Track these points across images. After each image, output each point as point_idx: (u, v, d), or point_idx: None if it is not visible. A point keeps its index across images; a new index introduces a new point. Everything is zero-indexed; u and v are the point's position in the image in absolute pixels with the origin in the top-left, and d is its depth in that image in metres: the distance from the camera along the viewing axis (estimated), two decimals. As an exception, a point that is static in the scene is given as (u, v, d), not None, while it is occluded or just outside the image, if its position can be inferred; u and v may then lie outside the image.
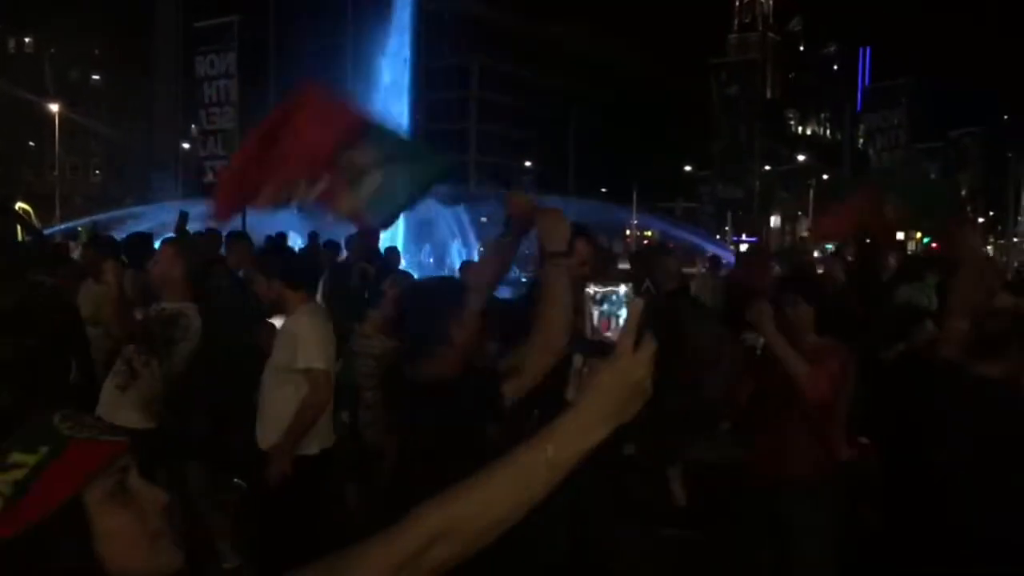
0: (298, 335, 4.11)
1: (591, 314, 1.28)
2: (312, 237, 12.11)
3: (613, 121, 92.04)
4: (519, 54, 78.35)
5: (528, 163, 74.31)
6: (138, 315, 4.34)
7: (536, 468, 1.23)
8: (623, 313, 1.26)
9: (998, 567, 3.05)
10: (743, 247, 63.54)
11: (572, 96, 74.80)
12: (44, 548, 1.05)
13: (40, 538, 1.04)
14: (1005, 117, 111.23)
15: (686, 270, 13.35)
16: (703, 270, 13.22)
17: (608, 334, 1.27)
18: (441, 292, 2.82)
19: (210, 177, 13.92)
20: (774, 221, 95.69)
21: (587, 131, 77.46)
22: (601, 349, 1.26)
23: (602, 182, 72.77)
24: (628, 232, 54.19)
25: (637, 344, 1.24)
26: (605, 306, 1.27)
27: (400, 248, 12.13)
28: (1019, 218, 61.25)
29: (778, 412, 3.97)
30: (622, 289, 1.27)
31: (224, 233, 7.96)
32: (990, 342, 3.21)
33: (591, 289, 1.29)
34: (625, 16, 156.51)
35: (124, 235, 9.29)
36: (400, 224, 24.48)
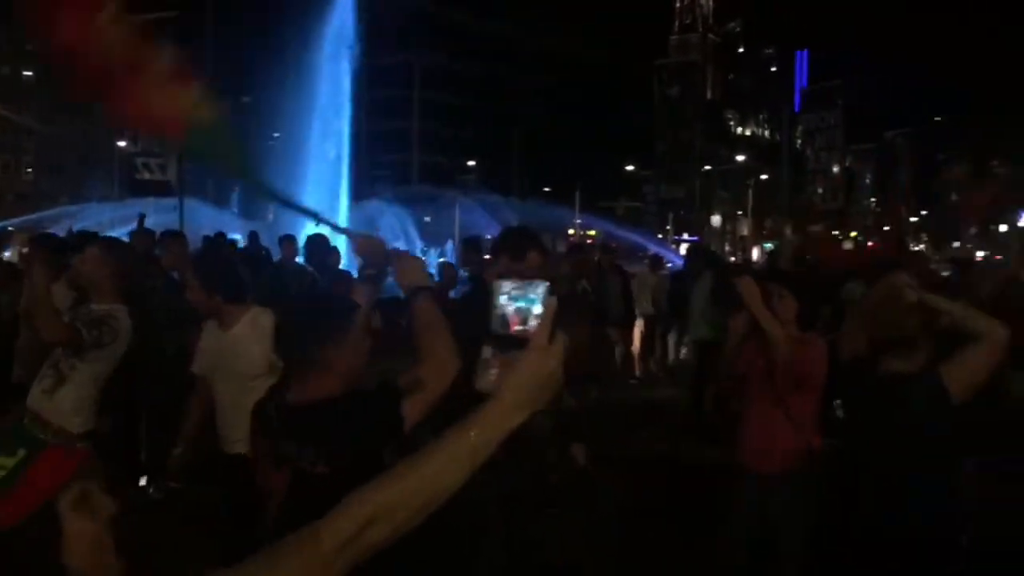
0: (266, 339, 4.05)
1: (503, 308, 1.38)
2: (252, 238, 11.94)
3: (556, 121, 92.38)
4: (462, 53, 78.33)
5: (471, 162, 74.25)
6: (65, 317, 4.22)
7: (461, 452, 1.35)
8: (537, 309, 1.37)
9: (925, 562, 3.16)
10: (684, 246, 64.34)
11: (516, 95, 74.97)
12: (19, 548, 1.15)
13: (16, 538, 1.14)
14: (936, 119, 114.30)
15: (630, 269, 13.49)
16: (644, 269, 13.33)
17: (519, 328, 1.37)
18: (317, 312, 2.60)
19: (144, 175, 13.62)
20: (714, 220, 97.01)
21: (531, 130, 77.68)
22: (514, 343, 1.37)
23: (545, 181, 73.09)
24: (572, 232, 54.52)
25: (551, 338, 1.36)
26: (522, 302, 1.37)
27: (344, 248, 11.98)
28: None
29: (760, 405, 4.07)
30: (541, 287, 1.37)
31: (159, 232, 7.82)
32: (903, 339, 3.29)
33: (507, 285, 1.38)
34: (568, 17, 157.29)
35: (59, 234, 9.07)
36: (344, 224, 24.36)
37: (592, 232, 56.10)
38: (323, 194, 25.62)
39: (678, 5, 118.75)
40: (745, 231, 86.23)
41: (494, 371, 1.42)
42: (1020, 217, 61.95)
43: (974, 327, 3.19)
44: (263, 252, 10.87)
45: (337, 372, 2.45)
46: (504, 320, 1.38)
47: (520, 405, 1.36)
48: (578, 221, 57.08)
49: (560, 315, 1.36)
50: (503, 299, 1.38)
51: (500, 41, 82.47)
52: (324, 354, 2.44)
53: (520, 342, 1.37)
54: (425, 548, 1.41)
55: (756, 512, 4.11)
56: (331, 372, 2.44)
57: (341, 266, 9.38)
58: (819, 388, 3.92)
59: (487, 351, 1.45)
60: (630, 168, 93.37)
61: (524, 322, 1.37)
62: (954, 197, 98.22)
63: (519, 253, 4.00)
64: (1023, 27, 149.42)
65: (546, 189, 70.07)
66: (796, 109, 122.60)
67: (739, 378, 4.28)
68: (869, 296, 3.58)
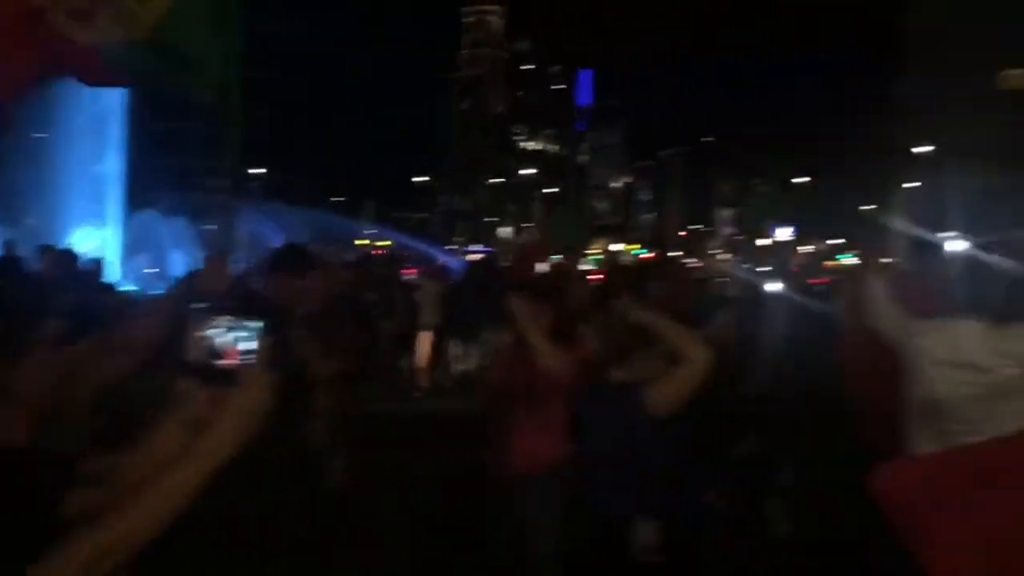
0: None
1: (213, 341, 1.45)
2: (8, 247, 10.98)
3: (348, 130, 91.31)
4: (249, 56, 75.77)
5: (258, 170, 71.79)
6: None
7: (184, 483, 1.45)
8: (247, 345, 1.45)
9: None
10: (474, 256, 65.12)
11: (305, 103, 73.42)
12: None
13: None
14: (707, 139, 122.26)
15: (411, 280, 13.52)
16: (426, 278, 13.38)
17: (227, 362, 1.46)
18: None
19: None
20: (504, 232, 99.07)
21: (321, 138, 76.37)
22: (220, 376, 1.45)
23: (336, 191, 72.10)
24: (363, 242, 53.98)
25: (262, 376, 1.47)
26: (233, 336, 1.45)
27: (118, 259, 11.26)
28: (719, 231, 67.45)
29: (522, 413, 4.26)
30: (255, 323, 1.46)
31: None
32: (620, 350, 3.60)
33: (220, 320, 1.45)
34: (364, 28, 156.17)
35: None
36: (114, 233, 22.84)
37: (386, 243, 55.83)
38: (95, 201, 23.97)
39: (469, 20, 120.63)
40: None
41: (198, 403, 1.47)
42: (775, 232, 67.26)
43: (681, 349, 3.45)
44: (16, 262, 10.00)
45: (18, 404, 1.86)
46: (212, 352, 1.44)
47: (233, 437, 1.47)
48: (368, 232, 56.61)
49: (273, 352, 1.40)
50: (213, 331, 1.44)
51: (291, 46, 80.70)
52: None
53: (226, 375, 1.44)
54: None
55: (522, 516, 4.27)
56: (11, 406, 1.86)
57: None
58: (571, 396, 4.08)
59: (186, 382, 1.48)
60: (422, 179, 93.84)
61: (234, 356, 1.44)
62: (723, 213, 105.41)
63: (300, 271, 3.97)
64: (780, 61, 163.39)
65: (337, 199, 69.15)
66: (581, 126, 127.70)
67: (502, 388, 4.44)
68: (607, 311, 3.85)
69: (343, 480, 5.94)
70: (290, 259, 4.11)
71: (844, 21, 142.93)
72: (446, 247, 65.85)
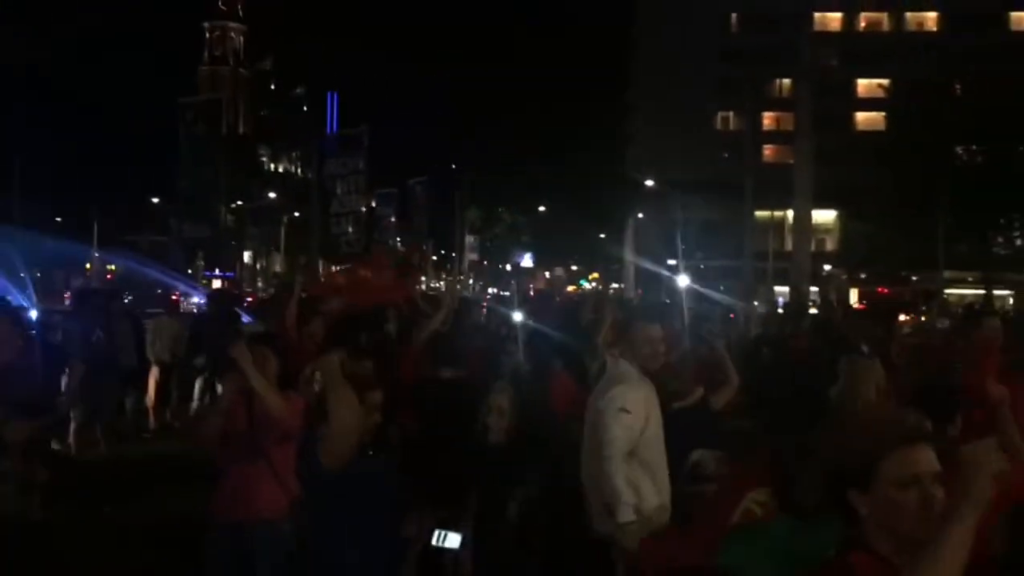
0: None
1: None
2: None
3: (67, 145, 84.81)
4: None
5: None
6: None
7: None
8: None
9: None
10: (216, 283, 62.62)
11: (18, 115, 67.39)
12: None
13: None
14: (453, 167, 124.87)
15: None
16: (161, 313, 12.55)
17: None
18: None
19: None
20: (247, 257, 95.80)
21: (34, 153, 70.51)
22: None
23: (57, 211, 66.44)
24: (89, 266, 50.38)
25: None
26: None
27: None
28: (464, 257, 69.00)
29: (245, 459, 4.21)
30: None
31: None
32: (321, 401, 3.76)
33: None
34: (92, 41, 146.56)
35: None
36: None
37: (112, 267, 52.40)
38: None
39: (208, 36, 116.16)
40: (278, 267, 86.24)
41: None
42: (522, 258, 69.80)
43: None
44: None
45: None
46: None
47: None
48: (96, 255, 52.83)
49: None
50: None
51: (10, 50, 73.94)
52: None
53: None
54: None
55: (240, 563, 4.21)
56: None
57: None
58: (298, 440, 4.14)
59: None
60: (156, 200, 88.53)
61: None
62: (469, 239, 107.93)
63: None
64: (521, 93, 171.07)
65: (58, 219, 63.76)
66: (326, 150, 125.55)
67: (226, 433, 4.34)
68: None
69: (43, 537, 5.47)
70: None
71: (584, 62, 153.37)
72: (186, 272, 62.63)
